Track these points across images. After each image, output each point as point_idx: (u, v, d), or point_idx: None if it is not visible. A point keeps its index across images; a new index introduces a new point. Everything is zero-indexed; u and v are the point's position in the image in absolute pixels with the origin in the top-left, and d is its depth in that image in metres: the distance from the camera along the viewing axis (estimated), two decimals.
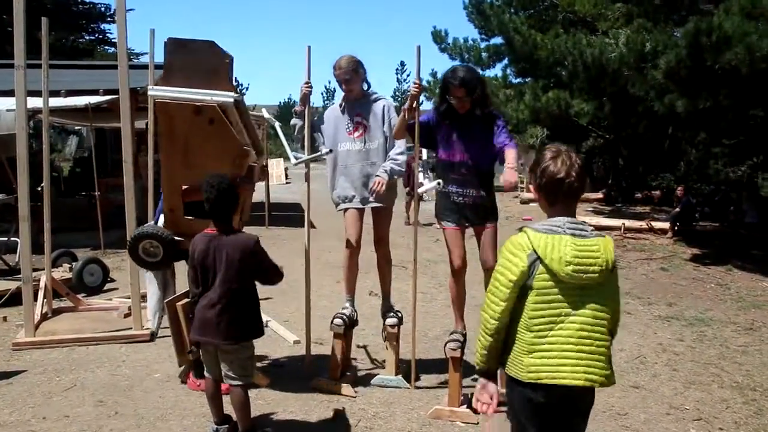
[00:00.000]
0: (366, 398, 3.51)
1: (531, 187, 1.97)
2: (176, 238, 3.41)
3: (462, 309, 3.56)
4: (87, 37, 22.63)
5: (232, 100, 3.28)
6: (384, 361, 3.84)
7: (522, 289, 1.84)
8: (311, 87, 3.72)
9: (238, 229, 2.91)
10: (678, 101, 9.42)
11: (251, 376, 2.83)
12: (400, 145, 3.74)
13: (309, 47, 3.73)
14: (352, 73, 3.68)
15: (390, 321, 3.73)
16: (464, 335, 3.50)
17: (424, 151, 3.48)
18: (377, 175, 3.62)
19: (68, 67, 12.65)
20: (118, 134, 7.67)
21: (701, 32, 7.53)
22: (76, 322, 4.80)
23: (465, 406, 3.30)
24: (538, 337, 1.82)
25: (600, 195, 15.93)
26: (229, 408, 2.85)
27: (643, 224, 10.99)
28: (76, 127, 15.10)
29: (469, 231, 3.48)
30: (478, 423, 3.17)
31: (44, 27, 4.81)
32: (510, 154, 3.18)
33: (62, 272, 6.06)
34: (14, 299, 5.11)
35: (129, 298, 5.31)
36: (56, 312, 5.05)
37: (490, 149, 3.33)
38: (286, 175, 20.73)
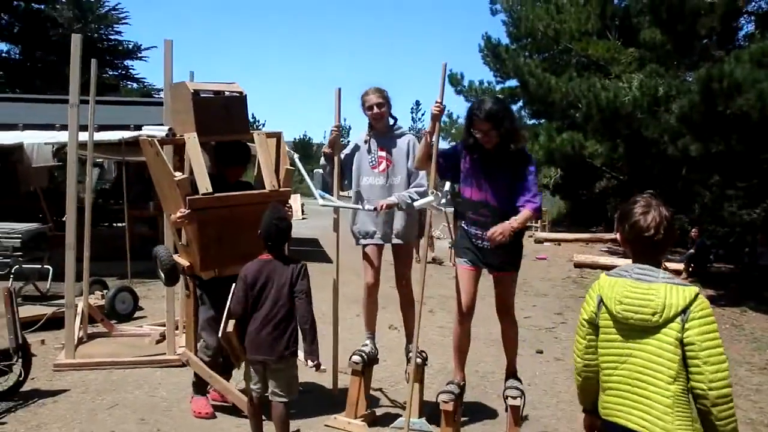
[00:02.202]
0: None
1: (618, 236, 2.03)
2: (177, 262, 3.71)
3: (464, 358, 3.34)
4: (111, 73, 23.41)
5: (160, 134, 3.59)
6: (405, 402, 3.63)
7: (595, 333, 1.97)
8: (341, 129, 3.84)
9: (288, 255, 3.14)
10: (691, 145, 9.67)
11: (295, 393, 3.02)
12: (423, 177, 3.62)
13: (339, 89, 3.86)
14: (383, 100, 3.70)
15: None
16: (461, 387, 3.32)
17: (447, 183, 3.29)
18: (390, 199, 3.58)
19: (98, 102, 13.14)
20: (140, 167, 7.98)
21: (713, 79, 7.82)
22: (111, 346, 5.01)
23: None
24: (606, 375, 1.94)
25: (615, 235, 16.03)
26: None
27: None
28: (98, 160, 15.66)
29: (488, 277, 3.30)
30: None
31: (93, 68, 5.18)
32: (524, 215, 3.02)
33: (95, 299, 6.30)
34: (47, 324, 5.36)
35: (159, 325, 5.56)
36: (91, 337, 5.27)
37: (517, 191, 3.10)
38: (303, 211, 21.11)
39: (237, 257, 3.40)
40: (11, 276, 6.16)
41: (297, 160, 4.32)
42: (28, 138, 8.63)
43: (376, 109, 3.69)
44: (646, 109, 10.11)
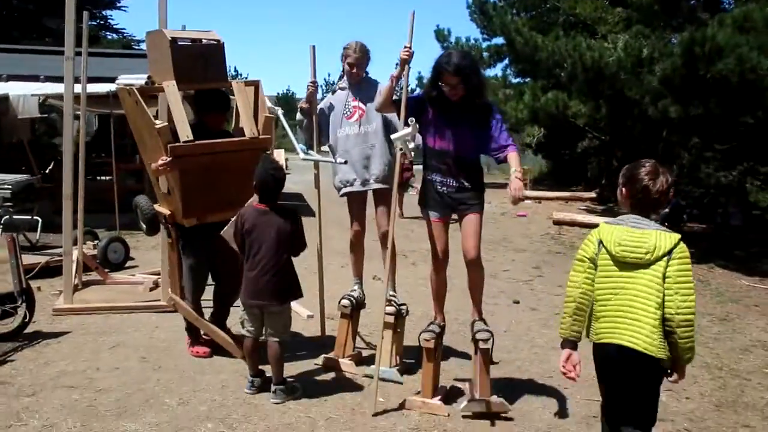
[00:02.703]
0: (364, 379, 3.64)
1: (621, 193, 2.37)
2: (157, 211, 3.87)
3: (442, 301, 3.51)
4: (90, 23, 22.79)
5: (139, 82, 3.66)
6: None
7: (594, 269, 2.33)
8: (317, 85, 3.92)
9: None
10: (671, 107, 9.85)
11: (288, 333, 3.26)
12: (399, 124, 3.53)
13: (313, 47, 3.96)
14: (362, 57, 3.81)
15: (388, 309, 3.71)
16: (442, 327, 3.47)
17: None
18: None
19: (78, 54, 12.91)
20: (124, 120, 7.99)
21: (695, 42, 7.95)
22: (106, 293, 5.20)
23: (438, 398, 3.32)
24: (600, 305, 2.32)
25: (593, 194, 16.38)
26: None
27: None
28: (78, 112, 15.41)
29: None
30: (448, 415, 3.25)
31: (85, 20, 5.19)
32: (514, 160, 3.11)
33: (87, 249, 6.44)
34: (41, 273, 5.54)
35: (151, 274, 5.74)
36: (86, 284, 5.45)
37: (481, 141, 3.22)
38: (286, 166, 21.17)
39: (219, 204, 3.52)
40: (1, 226, 6.28)
41: (281, 116, 4.38)
42: (14, 89, 8.55)
43: (354, 68, 3.81)
44: (629, 70, 10.21)
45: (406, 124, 3.21)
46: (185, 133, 3.47)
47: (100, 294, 5.16)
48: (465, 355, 4.20)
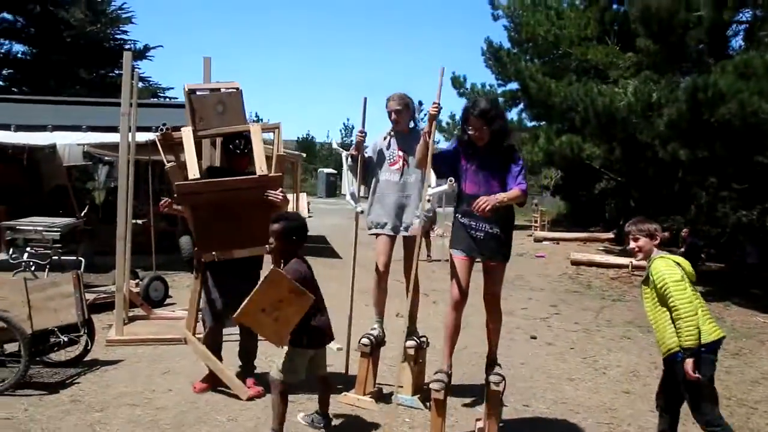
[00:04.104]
0: (386, 413, 3.75)
1: (662, 236, 3.18)
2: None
3: (452, 346, 3.45)
4: (117, 72, 23.78)
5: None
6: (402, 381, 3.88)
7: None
8: (365, 134, 4.09)
9: None
10: (680, 150, 10.22)
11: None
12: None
13: (365, 99, 4.13)
14: (402, 107, 3.99)
15: (409, 343, 3.88)
16: (449, 375, 3.40)
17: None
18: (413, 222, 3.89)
19: (110, 104, 13.57)
20: (155, 165, 8.43)
21: (699, 88, 8.39)
22: (151, 327, 5.62)
23: None
24: (701, 311, 3.02)
25: (611, 235, 16.59)
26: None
27: None
28: (106, 158, 16.06)
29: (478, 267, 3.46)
30: None
31: (135, 78, 5.75)
32: (511, 192, 3.22)
33: (131, 287, 6.91)
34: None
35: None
36: (131, 319, 5.88)
37: (506, 181, 3.31)
38: (309, 210, 21.83)
39: (235, 241, 3.72)
40: (47, 267, 6.78)
41: (344, 158, 4.29)
42: (60, 139, 9.23)
43: (394, 116, 4.05)
44: (640, 114, 10.56)
45: (441, 180, 3.47)
46: (192, 171, 3.68)
47: (146, 328, 5.58)
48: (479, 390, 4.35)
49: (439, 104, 3.43)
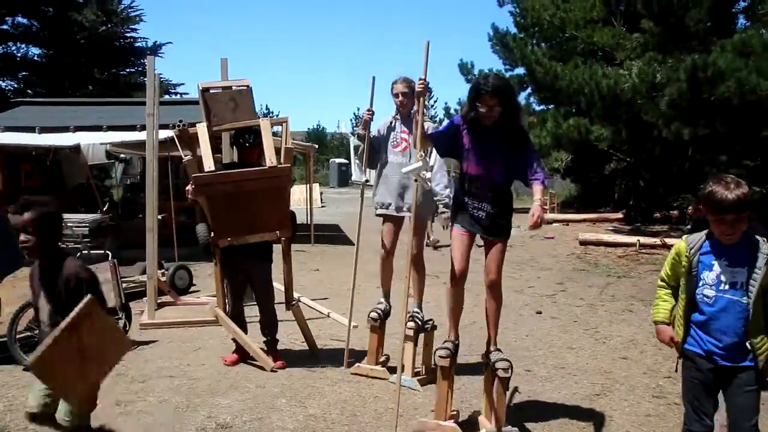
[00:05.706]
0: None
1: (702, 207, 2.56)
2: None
3: (457, 318, 3.43)
4: (128, 70, 24.02)
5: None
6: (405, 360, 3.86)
7: None
8: (373, 113, 4.19)
9: None
10: (683, 129, 10.41)
11: None
12: (442, 179, 4.13)
13: (373, 77, 4.19)
14: (409, 90, 4.08)
15: (409, 324, 3.99)
16: (456, 345, 3.36)
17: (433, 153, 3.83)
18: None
19: (126, 103, 13.92)
20: (173, 160, 8.80)
21: (698, 68, 8.61)
22: (179, 312, 6.04)
23: (452, 420, 3.29)
24: None
25: (620, 215, 16.75)
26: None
27: (657, 241, 11.85)
28: (122, 156, 16.44)
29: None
30: None
31: (157, 80, 6.11)
32: (538, 191, 3.15)
33: (158, 276, 7.34)
34: None
35: (212, 296, 6.55)
36: (160, 305, 6.30)
37: (513, 168, 3.25)
38: (321, 200, 22.29)
39: (248, 227, 4.04)
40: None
41: (352, 146, 4.74)
42: (84, 139, 9.66)
43: (400, 97, 4.18)
44: (644, 94, 10.76)
45: (422, 153, 3.46)
46: (208, 164, 4.00)
47: (175, 313, 5.99)
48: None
49: (425, 80, 3.38)
